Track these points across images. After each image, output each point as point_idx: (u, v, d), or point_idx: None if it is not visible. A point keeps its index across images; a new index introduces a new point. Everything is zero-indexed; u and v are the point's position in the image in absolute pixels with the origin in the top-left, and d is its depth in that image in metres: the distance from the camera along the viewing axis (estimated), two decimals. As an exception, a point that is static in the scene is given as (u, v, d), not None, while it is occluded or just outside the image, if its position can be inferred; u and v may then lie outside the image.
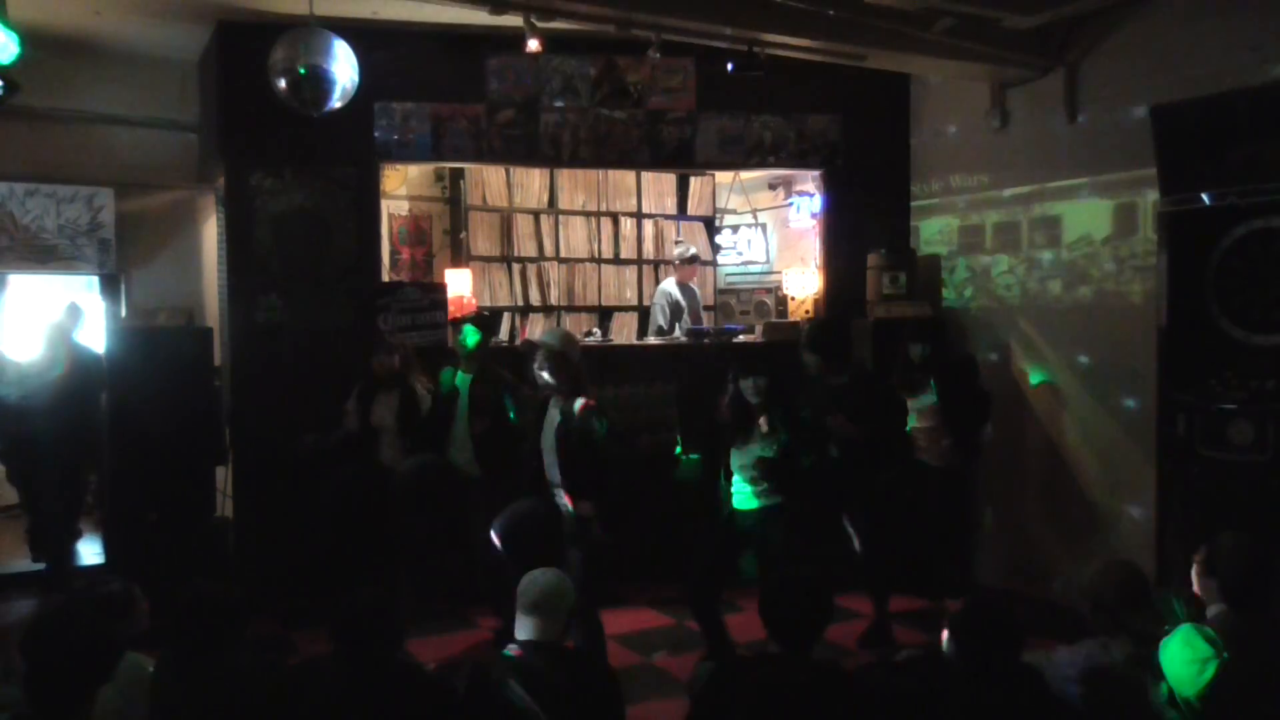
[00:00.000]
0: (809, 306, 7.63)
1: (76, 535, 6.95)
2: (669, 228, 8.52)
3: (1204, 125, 4.92)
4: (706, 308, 8.21)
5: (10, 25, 4.34)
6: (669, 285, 7.70)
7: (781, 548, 4.80)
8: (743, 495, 4.83)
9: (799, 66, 6.45)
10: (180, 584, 3.18)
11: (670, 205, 8.55)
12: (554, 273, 8.13)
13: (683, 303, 7.50)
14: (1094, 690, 3.14)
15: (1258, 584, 3.22)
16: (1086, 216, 6.09)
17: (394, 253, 8.12)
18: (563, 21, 5.46)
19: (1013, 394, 6.54)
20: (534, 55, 5.80)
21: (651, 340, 7.78)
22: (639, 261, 8.39)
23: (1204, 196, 4.91)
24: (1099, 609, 3.26)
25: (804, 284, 7.73)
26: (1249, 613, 3.18)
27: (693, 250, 7.86)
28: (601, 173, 8.13)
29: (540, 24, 5.37)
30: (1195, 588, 3.38)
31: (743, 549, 4.89)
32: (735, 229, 9.65)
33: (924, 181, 7.19)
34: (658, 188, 8.47)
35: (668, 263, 8.49)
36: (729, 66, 5.88)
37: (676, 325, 7.44)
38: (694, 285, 7.88)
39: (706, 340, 6.94)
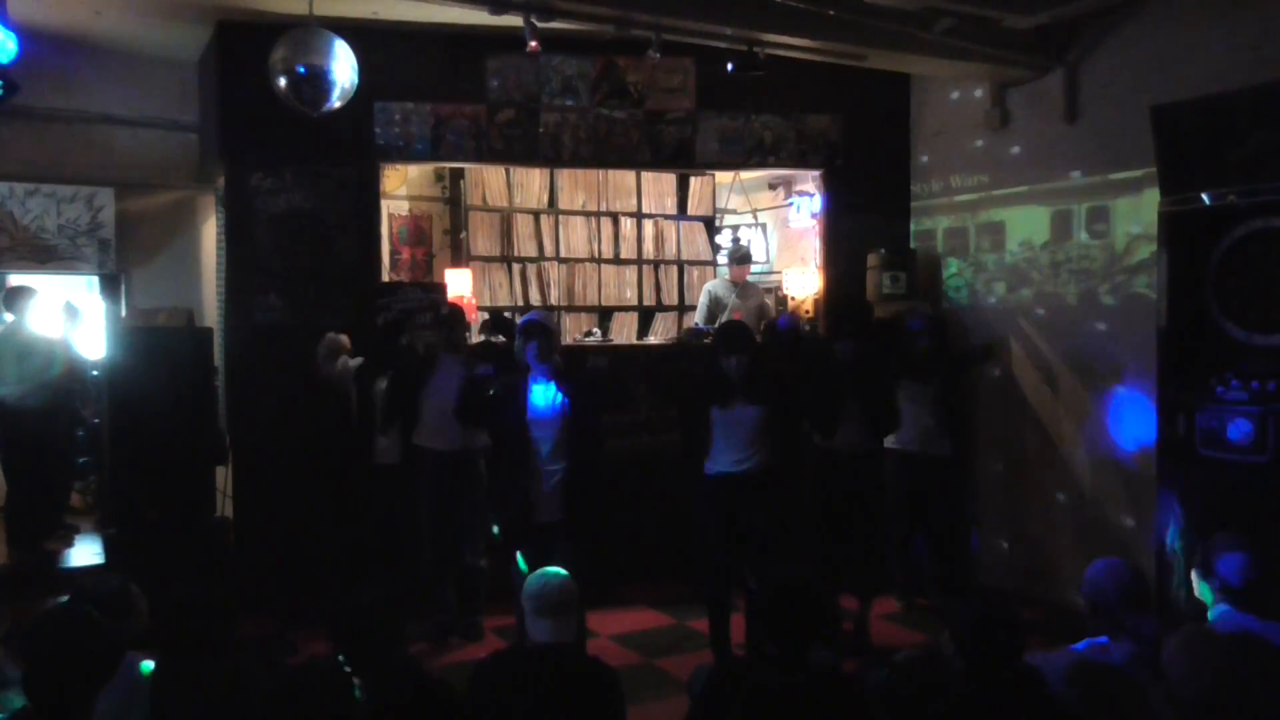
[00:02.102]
0: (809, 306, 7.63)
1: (58, 527, 6.95)
2: (669, 228, 8.52)
3: (1204, 125, 4.91)
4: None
5: (10, 25, 4.34)
6: (714, 284, 7.68)
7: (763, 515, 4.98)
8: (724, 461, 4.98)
9: (799, 66, 6.45)
10: (177, 585, 3.18)
11: (670, 205, 8.55)
12: (554, 273, 8.13)
13: (726, 301, 7.48)
14: (1091, 690, 3.15)
15: (1256, 583, 3.23)
16: (1084, 215, 6.09)
17: (394, 253, 8.12)
18: (563, 21, 5.46)
19: (1011, 394, 6.54)
20: (534, 55, 5.80)
21: (651, 340, 7.80)
22: (639, 261, 8.39)
23: (1204, 196, 4.90)
24: (1099, 609, 3.26)
25: (804, 284, 7.73)
26: (1252, 612, 3.18)
27: (743, 249, 7.82)
28: (601, 173, 8.13)
29: (540, 24, 5.37)
30: (1195, 590, 3.39)
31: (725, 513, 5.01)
32: (735, 229, 9.65)
33: (924, 181, 7.19)
34: (658, 188, 8.47)
35: (669, 263, 8.50)
36: (729, 66, 5.89)
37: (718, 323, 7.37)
38: (752, 282, 7.82)
39: (707, 340, 6.94)
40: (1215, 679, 2.53)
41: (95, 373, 6.78)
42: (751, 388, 4.93)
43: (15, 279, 7.82)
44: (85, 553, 6.91)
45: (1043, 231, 6.36)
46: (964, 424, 6.63)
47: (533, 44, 5.45)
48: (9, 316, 6.79)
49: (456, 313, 5.77)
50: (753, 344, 5.03)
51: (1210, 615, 3.24)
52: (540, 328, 4.88)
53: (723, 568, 5.02)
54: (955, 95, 6.93)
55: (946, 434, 5.79)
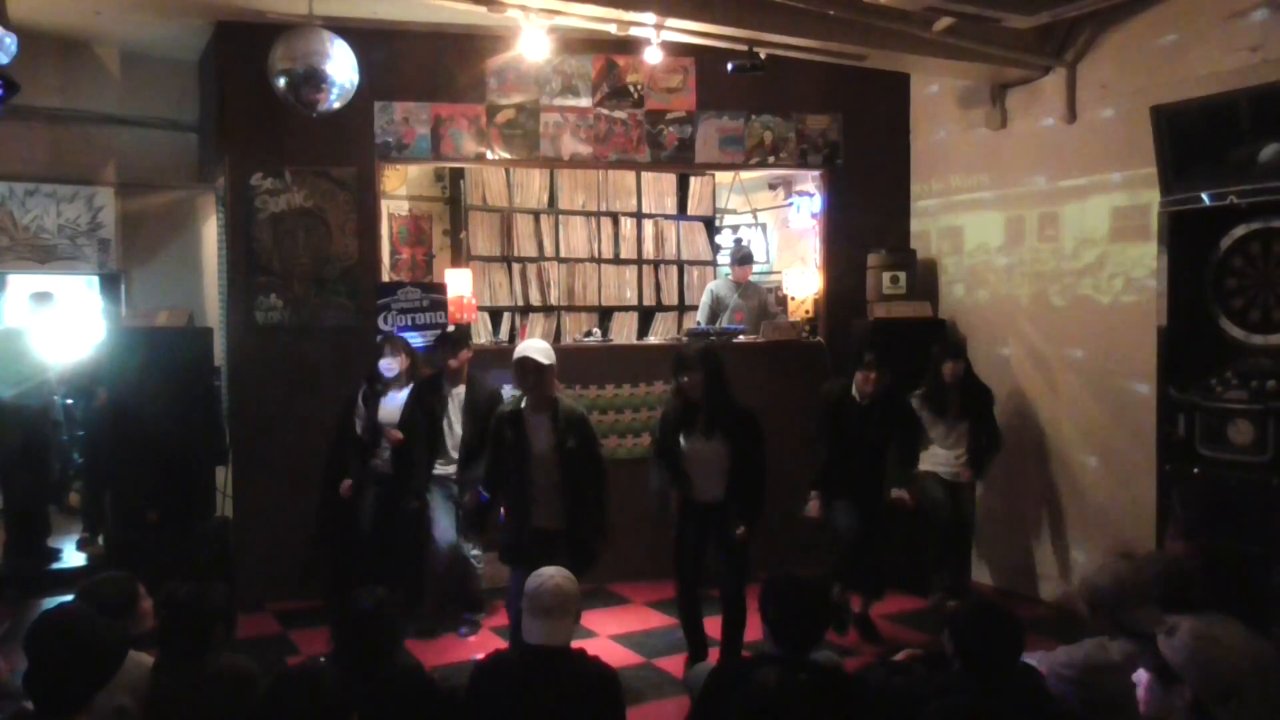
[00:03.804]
0: (809, 306, 7.64)
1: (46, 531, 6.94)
2: (669, 228, 8.52)
3: (1204, 125, 4.91)
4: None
5: (10, 25, 4.33)
6: (716, 284, 7.75)
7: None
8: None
9: (799, 66, 6.46)
10: (177, 584, 3.18)
11: (670, 205, 8.55)
12: (554, 273, 8.13)
13: (728, 301, 7.51)
14: (1090, 689, 3.15)
15: (1183, 589, 3.22)
16: (1082, 216, 6.10)
17: (394, 253, 8.12)
18: (563, 21, 5.46)
19: (1012, 393, 6.54)
20: (534, 55, 5.81)
21: (651, 340, 7.80)
22: (639, 261, 8.39)
23: (1204, 196, 4.90)
24: (1098, 609, 3.26)
25: (804, 284, 7.74)
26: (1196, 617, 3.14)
27: (745, 250, 7.87)
28: (601, 173, 8.13)
29: (540, 23, 5.38)
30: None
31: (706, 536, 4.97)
32: (735, 229, 9.66)
33: (924, 181, 7.20)
34: (658, 188, 8.47)
35: (669, 263, 8.51)
36: (729, 66, 5.89)
37: (719, 324, 7.41)
38: (754, 282, 7.89)
39: (712, 339, 6.95)
40: (1235, 671, 2.54)
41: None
42: (714, 420, 4.82)
43: (15, 279, 7.83)
44: (84, 553, 6.92)
45: (1046, 229, 6.36)
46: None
47: (533, 44, 5.46)
48: (7, 321, 6.80)
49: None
50: (707, 364, 4.85)
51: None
52: (534, 366, 4.68)
53: (691, 579, 5.04)
54: (955, 95, 6.93)
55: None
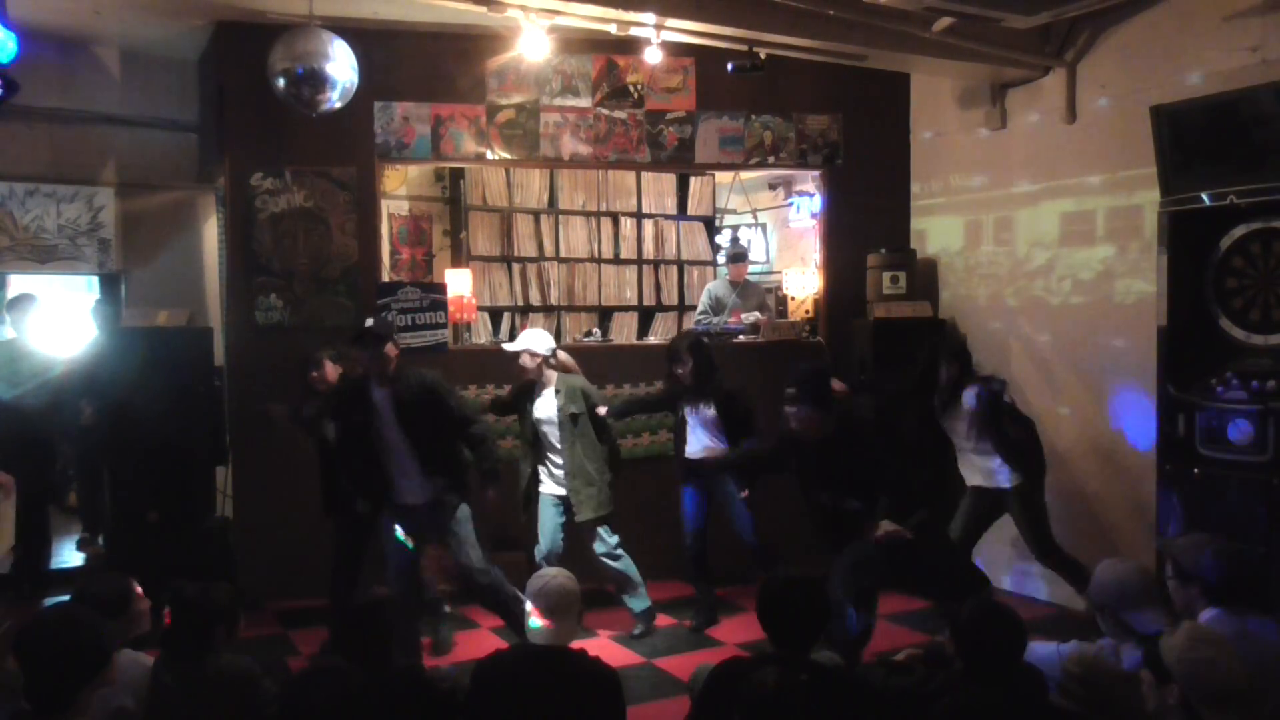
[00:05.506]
0: (809, 306, 7.64)
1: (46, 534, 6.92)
2: (669, 228, 8.52)
3: (1204, 125, 4.91)
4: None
5: (10, 25, 4.33)
6: (714, 285, 7.76)
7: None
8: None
9: (799, 66, 6.46)
10: (178, 584, 3.19)
11: (670, 205, 8.55)
12: (554, 273, 8.13)
13: (726, 301, 7.51)
14: (1090, 687, 3.14)
15: (1241, 579, 3.19)
16: (1083, 215, 6.10)
17: (394, 253, 8.11)
18: (563, 21, 5.46)
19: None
20: (534, 55, 5.80)
21: (651, 340, 7.80)
22: (639, 261, 8.39)
23: (1204, 196, 4.91)
24: (1105, 610, 3.25)
25: (804, 284, 7.74)
26: (1242, 611, 3.14)
27: (740, 248, 7.87)
28: (601, 173, 8.13)
29: (540, 23, 5.38)
30: (1173, 596, 3.32)
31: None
32: (735, 229, 9.67)
33: (924, 181, 7.20)
34: (658, 188, 8.47)
35: (669, 263, 8.51)
36: (729, 66, 5.89)
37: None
38: (753, 282, 7.91)
39: (706, 340, 6.95)
40: (1227, 676, 2.54)
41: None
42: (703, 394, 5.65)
43: (15, 279, 7.83)
44: (84, 553, 6.92)
45: (1050, 230, 6.36)
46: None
47: (533, 44, 5.47)
48: (9, 331, 6.76)
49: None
50: (697, 354, 5.62)
51: (1201, 619, 3.19)
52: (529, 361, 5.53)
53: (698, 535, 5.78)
54: (955, 95, 6.93)
55: None
